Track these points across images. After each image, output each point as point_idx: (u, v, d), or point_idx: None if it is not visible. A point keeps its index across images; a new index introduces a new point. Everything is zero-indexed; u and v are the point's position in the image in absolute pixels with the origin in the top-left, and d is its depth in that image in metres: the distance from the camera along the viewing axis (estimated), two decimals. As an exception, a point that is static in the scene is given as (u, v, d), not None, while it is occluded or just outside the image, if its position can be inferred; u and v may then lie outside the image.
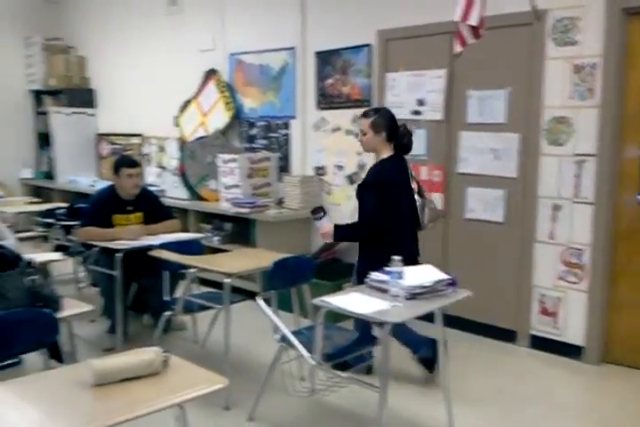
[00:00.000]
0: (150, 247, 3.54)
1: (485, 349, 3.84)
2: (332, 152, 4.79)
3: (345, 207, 4.73)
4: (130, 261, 3.61)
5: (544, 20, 3.55)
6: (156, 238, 3.76)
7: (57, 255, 3.56)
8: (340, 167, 4.76)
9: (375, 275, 2.63)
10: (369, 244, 3.15)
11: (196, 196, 5.53)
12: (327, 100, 4.78)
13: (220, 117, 5.55)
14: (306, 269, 3.18)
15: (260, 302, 2.91)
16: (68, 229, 4.74)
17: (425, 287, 2.52)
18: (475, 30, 3.26)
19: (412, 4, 4.14)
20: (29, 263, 2.39)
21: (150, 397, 1.66)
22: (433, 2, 3.97)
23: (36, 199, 6.37)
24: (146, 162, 6.11)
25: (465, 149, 4.01)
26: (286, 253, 3.26)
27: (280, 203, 4.99)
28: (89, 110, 7.13)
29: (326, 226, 3.16)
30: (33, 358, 2.65)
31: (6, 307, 2.24)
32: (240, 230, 5.08)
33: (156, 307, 3.82)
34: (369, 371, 3.22)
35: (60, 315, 2.31)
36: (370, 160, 4.55)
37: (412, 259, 2.86)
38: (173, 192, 5.66)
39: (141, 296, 4.17)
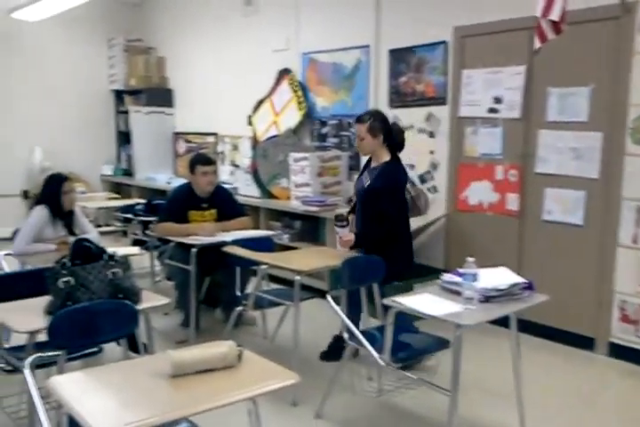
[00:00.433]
0: (224, 243, 3.62)
1: (561, 356, 3.70)
2: (404, 151, 4.73)
3: (416, 207, 4.68)
4: (204, 257, 3.70)
5: (634, 12, 3.38)
6: (229, 235, 3.83)
7: (136, 249, 3.70)
8: (411, 166, 4.70)
9: (448, 276, 2.59)
10: (387, 245, 3.26)
11: (267, 194, 5.61)
12: (400, 98, 4.74)
13: (292, 116, 5.60)
14: (376, 268, 3.16)
15: (330, 300, 2.91)
16: (145, 225, 4.90)
17: (500, 291, 2.45)
18: (556, 25, 3.14)
19: (489, 0, 4.04)
20: (112, 256, 2.48)
21: (225, 389, 1.69)
22: (512, -3, 3.87)
23: (115, 195, 6.64)
24: (220, 160, 6.26)
25: (543, 148, 3.88)
26: (355, 251, 3.26)
27: (350, 201, 4.97)
28: (167, 110, 7.34)
29: (348, 234, 3.28)
30: (109, 347, 2.77)
31: (89, 298, 2.35)
32: (309, 228, 5.12)
33: (228, 302, 3.92)
34: (355, 354, 3.13)
35: (139, 307, 2.39)
36: (443, 159, 4.49)
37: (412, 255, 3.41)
38: (245, 190, 5.77)
39: (213, 291, 4.28)
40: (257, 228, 4.78)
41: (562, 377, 3.40)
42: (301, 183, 5.00)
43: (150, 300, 2.53)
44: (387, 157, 3.37)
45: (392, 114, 4.78)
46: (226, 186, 4.69)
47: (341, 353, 2.89)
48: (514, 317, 2.63)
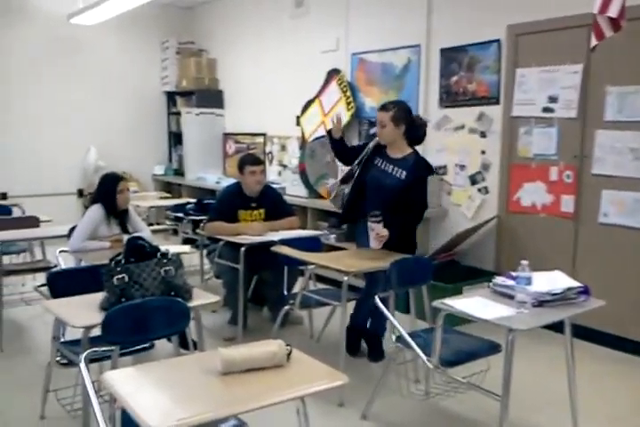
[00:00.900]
0: (272, 243, 3.65)
1: (619, 363, 3.57)
2: (454, 151, 4.67)
3: (466, 208, 4.60)
4: (252, 256, 3.73)
5: (698, 7, 3.24)
6: (278, 234, 3.86)
7: (187, 248, 3.76)
8: (462, 167, 4.64)
9: (501, 279, 2.53)
10: (409, 232, 3.44)
11: (314, 194, 5.62)
12: (451, 97, 4.67)
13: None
14: (424, 270, 3.12)
15: (378, 301, 2.89)
16: (195, 224, 4.97)
17: (554, 295, 2.38)
18: (614, 22, 3.02)
19: (545, -3, 3.95)
20: (165, 255, 2.53)
21: (274, 388, 1.70)
22: (569, -7, 3.76)
23: (166, 194, 6.78)
24: (268, 160, 6.30)
25: (601, 148, 3.75)
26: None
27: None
28: (217, 111, 7.44)
29: (383, 229, 3.22)
30: (160, 343, 2.82)
31: (142, 295, 2.40)
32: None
33: (275, 300, 3.94)
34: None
35: (190, 304, 2.42)
36: (495, 159, 4.40)
37: None
38: (293, 190, 5.80)
39: (261, 289, 4.32)
40: (304, 228, 4.80)
41: (619, 386, 3.27)
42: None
43: (201, 297, 2.56)
44: (409, 149, 3.42)
45: (442, 114, 4.73)
46: (274, 186, 4.73)
47: (359, 344, 3.40)
48: (568, 322, 2.56)
